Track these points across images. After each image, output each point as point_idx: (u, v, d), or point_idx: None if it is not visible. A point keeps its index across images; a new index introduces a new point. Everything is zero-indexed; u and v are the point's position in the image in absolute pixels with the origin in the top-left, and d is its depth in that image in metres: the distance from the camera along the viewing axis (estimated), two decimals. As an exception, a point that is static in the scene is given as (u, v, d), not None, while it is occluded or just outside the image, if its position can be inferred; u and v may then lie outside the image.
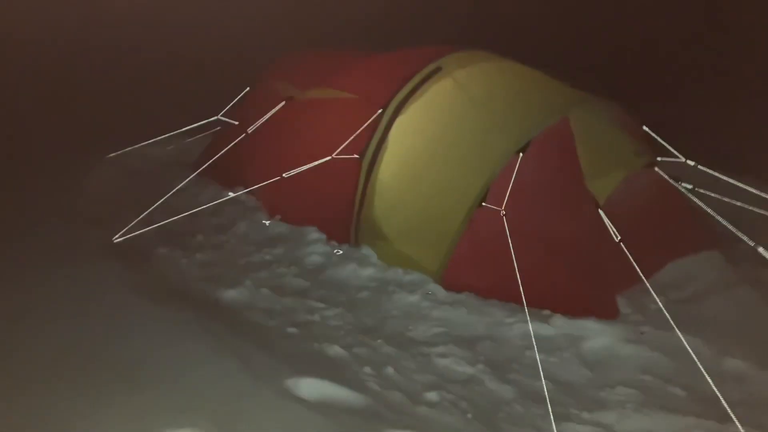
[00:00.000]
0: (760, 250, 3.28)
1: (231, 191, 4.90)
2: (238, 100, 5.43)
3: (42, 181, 5.25)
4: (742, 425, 2.55)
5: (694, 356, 2.80)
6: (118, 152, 5.69)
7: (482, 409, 2.78)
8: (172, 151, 6.17)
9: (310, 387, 2.72)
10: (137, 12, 7.82)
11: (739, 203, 3.77)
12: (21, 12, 7.33)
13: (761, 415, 2.76)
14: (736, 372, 3.04)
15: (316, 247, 4.27)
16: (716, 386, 2.64)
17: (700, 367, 2.76)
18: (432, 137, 4.07)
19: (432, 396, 2.83)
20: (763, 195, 3.53)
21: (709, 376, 2.68)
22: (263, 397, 2.55)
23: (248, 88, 5.56)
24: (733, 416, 2.58)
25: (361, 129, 4.26)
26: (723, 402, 2.58)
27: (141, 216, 4.19)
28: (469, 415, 2.69)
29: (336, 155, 4.22)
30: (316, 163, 4.17)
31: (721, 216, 3.50)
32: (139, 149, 5.50)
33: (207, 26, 7.88)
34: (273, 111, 4.78)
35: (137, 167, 5.81)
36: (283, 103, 4.81)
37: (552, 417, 2.58)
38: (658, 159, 3.96)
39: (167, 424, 2.33)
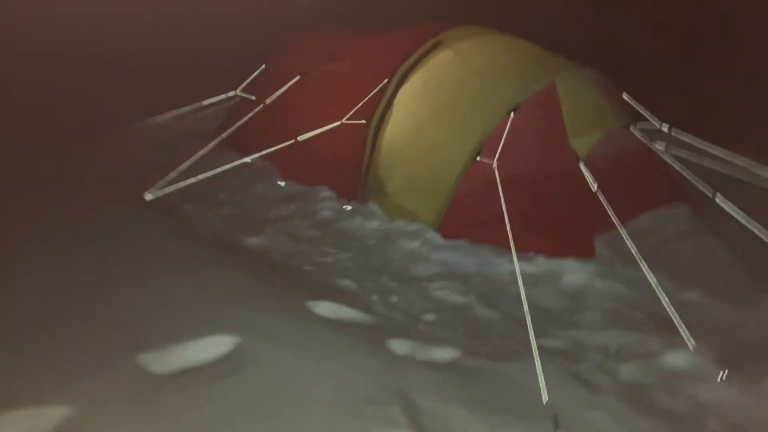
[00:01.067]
0: (717, 199, 3.75)
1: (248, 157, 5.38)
2: (254, 77, 5.91)
3: (70, 149, 5.71)
4: (696, 350, 3.02)
5: (656, 286, 3.28)
6: (142, 124, 6.18)
7: (472, 328, 3.26)
8: (190, 122, 6.62)
9: (326, 308, 3.21)
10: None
11: (706, 163, 4.24)
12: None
13: (710, 334, 3.22)
14: (692, 301, 3.51)
15: (327, 203, 4.74)
16: (673, 311, 3.12)
17: (660, 294, 3.24)
18: (432, 102, 4.52)
19: (429, 317, 3.31)
20: (728, 157, 3.98)
21: (668, 304, 3.16)
22: (287, 313, 3.03)
23: (263, 66, 6.04)
24: (684, 333, 3.07)
25: (369, 97, 4.71)
26: (675, 317, 3.06)
27: (170, 176, 4.66)
28: (461, 331, 3.17)
29: (345, 121, 4.68)
30: (327, 127, 4.62)
31: (691, 174, 3.97)
32: (161, 121, 5.98)
33: (222, 11, 8.33)
34: (289, 84, 5.22)
35: (160, 137, 6.27)
36: (298, 77, 5.25)
37: (531, 332, 3.05)
38: (637, 123, 4.42)
39: (207, 332, 2.82)
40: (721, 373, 2.87)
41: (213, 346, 2.80)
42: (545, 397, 2.56)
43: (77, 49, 7.46)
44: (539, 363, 2.69)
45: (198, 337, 2.82)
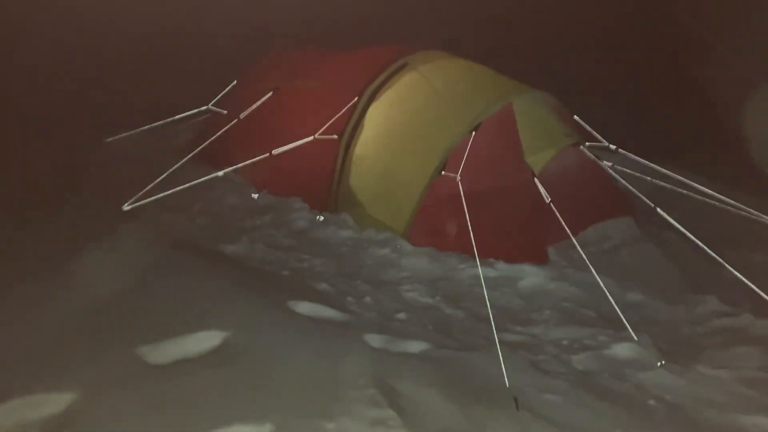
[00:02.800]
0: (658, 210, 4.18)
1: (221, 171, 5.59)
2: (226, 93, 6.15)
3: (48, 161, 5.82)
4: (639, 341, 3.41)
5: (604, 288, 3.66)
6: (117, 137, 6.32)
7: (440, 325, 3.56)
8: (163, 137, 6.79)
9: (306, 307, 3.46)
10: (138, 19, 8.40)
11: (649, 178, 4.70)
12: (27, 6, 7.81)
13: (651, 328, 3.62)
14: (635, 301, 3.91)
15: (300, 214, 5.00)
16: (619, 310, 3.51)
17: (608, 295, 3.62)
18: (400, 120, 4.86)
19: (401, 316, 3.60)
20: (667, 173, 4.44)
21: (614, 304, 3.55)
22: (270, 311, 3.28)
23: (235, 81, 6.29)
24: (628, 326, 3.45)
25: (340, 114, 5.01)
26: (620, 315, 3.45)
27: (147, 188, 4.83)
28: (430, 327, 3.47)
29: (318, 136, 4.97)
30: (300, 142, 4.88)
31: (635, 190, 4.40)
32: (134, 134, 6.15)
33: (195, 28, 8.54)
34: (262, 99, 5.46)
35: (134, 150, 6.42)
36: (271, 93, 5.51)
37: (494, 328, 3.37)
38: (587, 143, 4.85)
39: (198, 328, 3.04)
40: (660, 361, 3.25)
41: (204, 340, 3.03)
42: (507, 382, 2.88)
43: (52, 64, 7.54)
44: (501, 352, 3.01)
45: (190, 332, 3.04)
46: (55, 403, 2.57)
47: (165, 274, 3.60)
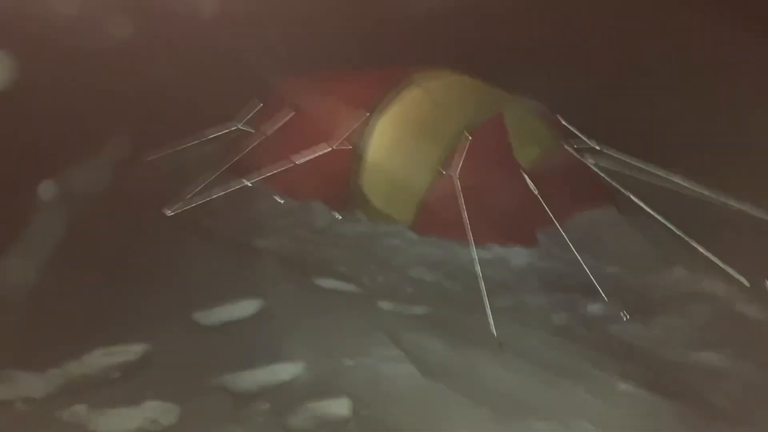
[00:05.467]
0: (632, 197, 4.82)
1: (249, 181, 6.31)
2: (253, 113, 6.94)
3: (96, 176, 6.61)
4: (610, 302, 4.02)
5: (580, 260, 4.30)
6: (156, 156, 7.12)
7: (441, 295, 4.20)
8: (197, 153, 7.56)
9: (328, 283, 4.15)
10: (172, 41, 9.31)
11: (628, 172, 5.33)
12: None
13: (623, 294, 4.21)
14: (611, 273, 4.51)
15: (321, 214, 5.68)
16: (597, 282, 4.14)
17: (583, 265, 4.25)
18: (406, 129, 5.56)
19: (408, 290, 4.25)
20: (642, 167, 5.08)
21: (593, 277, 4.18)
22: (298, 284, 3.97)
23: (261, 104, 7.08)
24: (600, 290, 4.07)
25: (354, 127, 5.74)
26: (593, 279, 4.07)
27: (189, 195, 5.56)
28: (433, 297, 4.12)
29: (335, 147, 5.68)
30: (320, 152, 5.61)
31: (613, 181, 5.06)
32: (171, 152, 6.95)
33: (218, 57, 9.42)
34: (285, 119, 6.22)
35: (171, 166, 7.19)
36: (293, 113, 6.25)
37: (485, 295, 3.97)
38: (573, 144, 5.51)
39: (240, 298, 3.73)
40: (625, 315, 3.85)
41: (245, 307, 3.72)
42: (494, 332, 3.51)
43: (89, 85, 8.37)
44: (489, 311, 3.63)
45: (233, 300, 3.73)
46: (131, 352, 3.27)
47: (209, 261, 4.32)
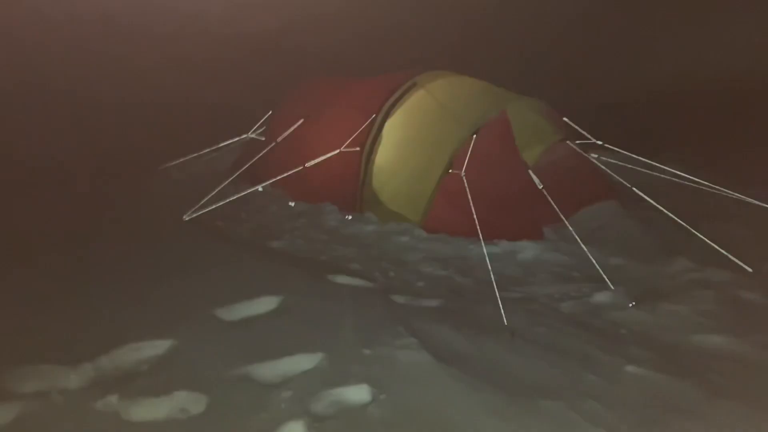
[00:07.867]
0: (634, 189, 4.95)
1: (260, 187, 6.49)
2: (263, 121, 7.14)
3: (111, 186, 6.81)
4: (616, 290, 4.15)
5: (587, 251, 4.43)
6: (169, 164, 7.33)
7: (453, 289, 4.34)
8: (206, 162, 7.76)
9: (342, 279, 4.27)
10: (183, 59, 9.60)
11: (630, 165, 5.48)
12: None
13: (627, 283, 4.34)
14: (616, 264, 4.64)
15: (331, 215, 5.85)
16: (600, 268, 4.27)
17: (590, 256, 4.39)
18: (412, 130, 5.71)
19: (420, 284, 4.39)
20: (647, 161, 5.22)
21: (596, 263, 4.31)
22: (314, 281, 4.10)
23: (270, 112, 7.27)
24: (606, 279, 4.20)
25: (361, 129, 5.89)
26: (599, 269, 4.20)
27: (203, 200, 5.74)
28: (444, 291, 4.26)
29: (343, 149, 5.84)
30: (329, 155, 5.77)
31: (616, 176, 5.20)
32: (186, 160, 7.16)
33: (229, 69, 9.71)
34: (294, 126, 6.39)
35: (186, 173, 7.39)
36: (302, 120, 6.42)
37: (495, 287, 4.12)
38: (577, 141, 5.65)
39: (259, 294, 3.88)
40: (631, 303, 3.98)
41: (264, 303, 3.85)
42: (505, 320, 3.64)
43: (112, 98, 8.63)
44: (500, 300, 3.77)
45: (253, 297, 3.88)
46: (159, 347, 3.41)
47: (230, 259, 4.47)
